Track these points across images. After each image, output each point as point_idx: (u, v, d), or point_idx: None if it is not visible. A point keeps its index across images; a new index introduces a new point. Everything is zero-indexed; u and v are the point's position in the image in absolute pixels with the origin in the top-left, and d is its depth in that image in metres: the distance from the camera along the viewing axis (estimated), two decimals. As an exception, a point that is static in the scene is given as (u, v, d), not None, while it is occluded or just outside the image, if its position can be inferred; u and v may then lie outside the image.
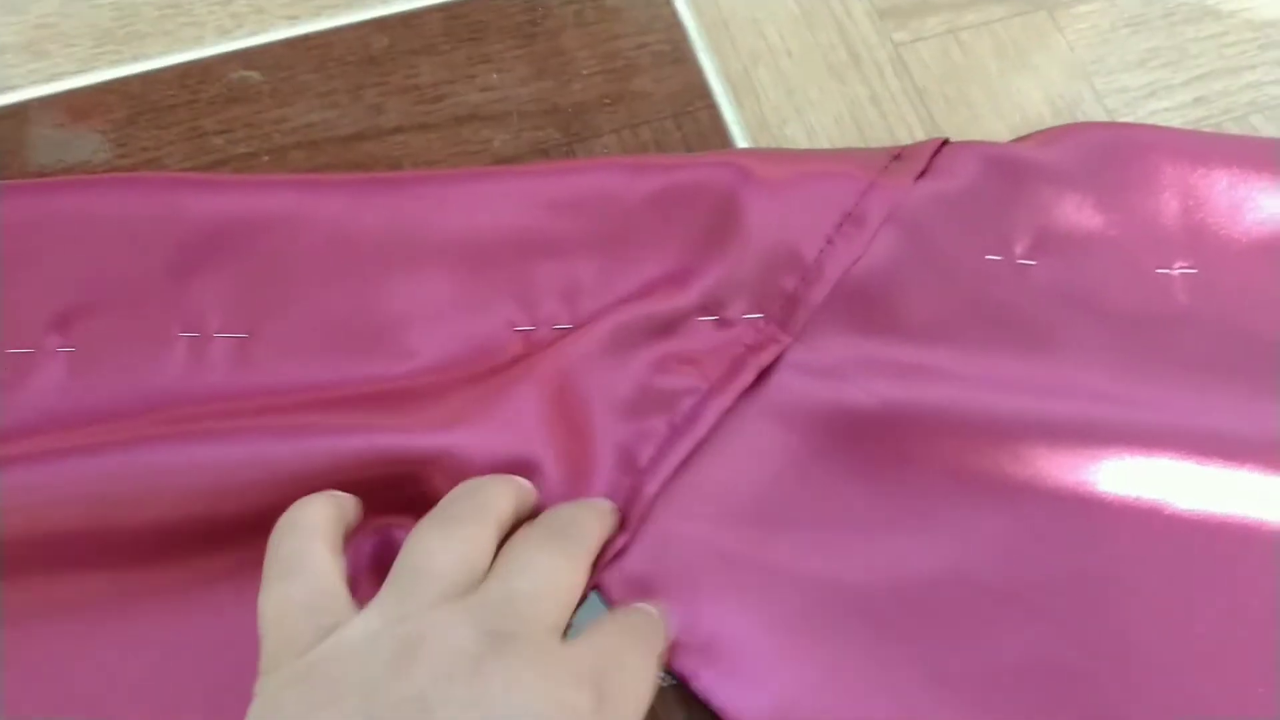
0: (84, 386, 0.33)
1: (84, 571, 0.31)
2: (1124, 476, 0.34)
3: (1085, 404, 0.35)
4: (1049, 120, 0.43)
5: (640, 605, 0.30)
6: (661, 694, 0.32)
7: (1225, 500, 0.35)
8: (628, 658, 0.27)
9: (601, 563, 0.31)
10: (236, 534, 0.30)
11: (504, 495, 0.29)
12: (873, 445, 0.34)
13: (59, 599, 0.31)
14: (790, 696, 0.31)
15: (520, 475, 0.31)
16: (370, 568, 0.31)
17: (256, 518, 0.29)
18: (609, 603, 0.32)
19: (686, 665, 0.31)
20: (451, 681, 0.23)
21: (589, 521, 0.30)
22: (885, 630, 0.32)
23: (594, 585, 0.31)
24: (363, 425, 0.31)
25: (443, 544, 0.26)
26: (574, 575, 0.28)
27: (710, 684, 0.31)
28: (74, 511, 0.30)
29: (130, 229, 0.35)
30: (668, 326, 0.35)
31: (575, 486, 0.32)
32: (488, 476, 0.30)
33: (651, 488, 0.33)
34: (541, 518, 0.30)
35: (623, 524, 0.32)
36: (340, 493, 0.29)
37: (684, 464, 0.33)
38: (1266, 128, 0.44)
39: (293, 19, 0.42)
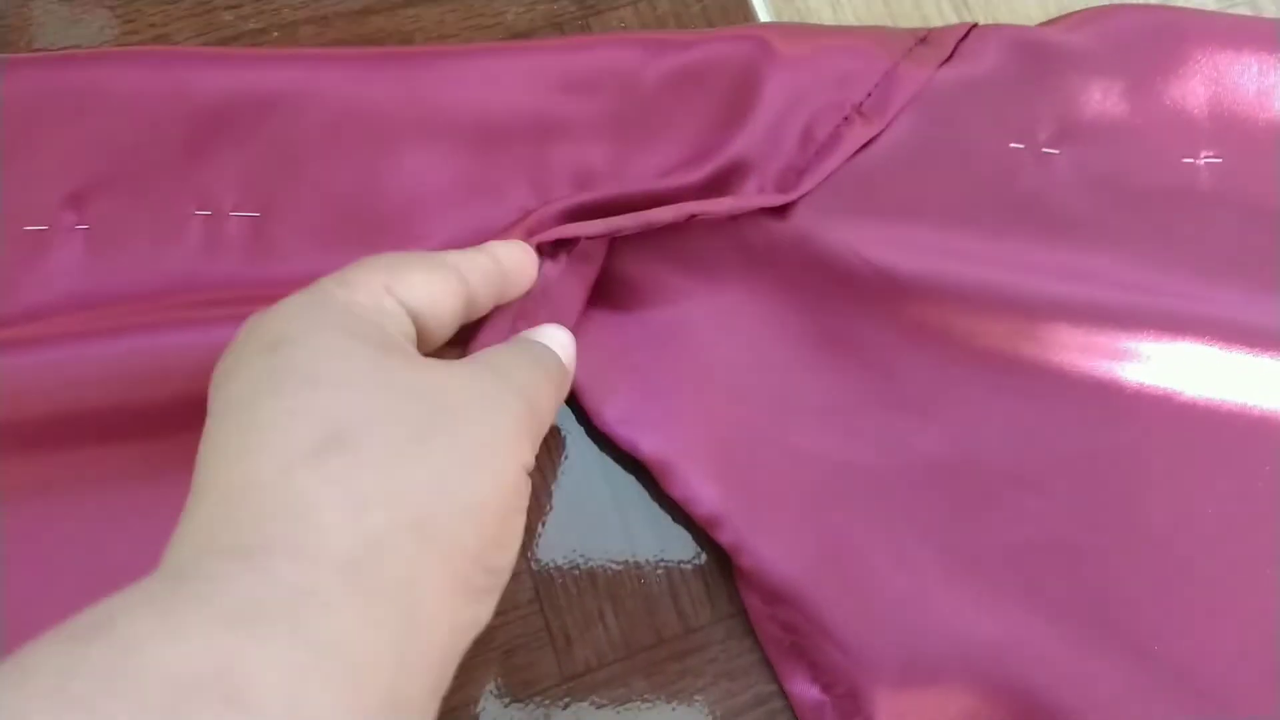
0: (103, 265, 0.34)
1: (112, 445, 0.32)
2: (1140, 361, 0.35)
3: (1104, 289, 0.35)
4: (1085, 3, 0.42)
5: (544, 339, 0.31)
6: (680, 571, 0.34)
7: (1240, 388, 0.35)
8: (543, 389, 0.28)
9: None
10: None
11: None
12: (885, 321, 0.35)
13: (88, 474, 0.32)
14: (812, 561, 0.32)
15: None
16: None
17: None
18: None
19: (714, 523, 0.33)
20: None
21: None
22: (898, 509, 0.33)
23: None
24: None
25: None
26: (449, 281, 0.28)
27: (739, 541, 0.32)
28: (97, 389, 0.31)
29: (141, 104, 0.35)
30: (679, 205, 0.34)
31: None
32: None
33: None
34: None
35: None
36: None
37: (700, 345, 0.34)
38: (1309, 11, 0.43)
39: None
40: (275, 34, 0.38)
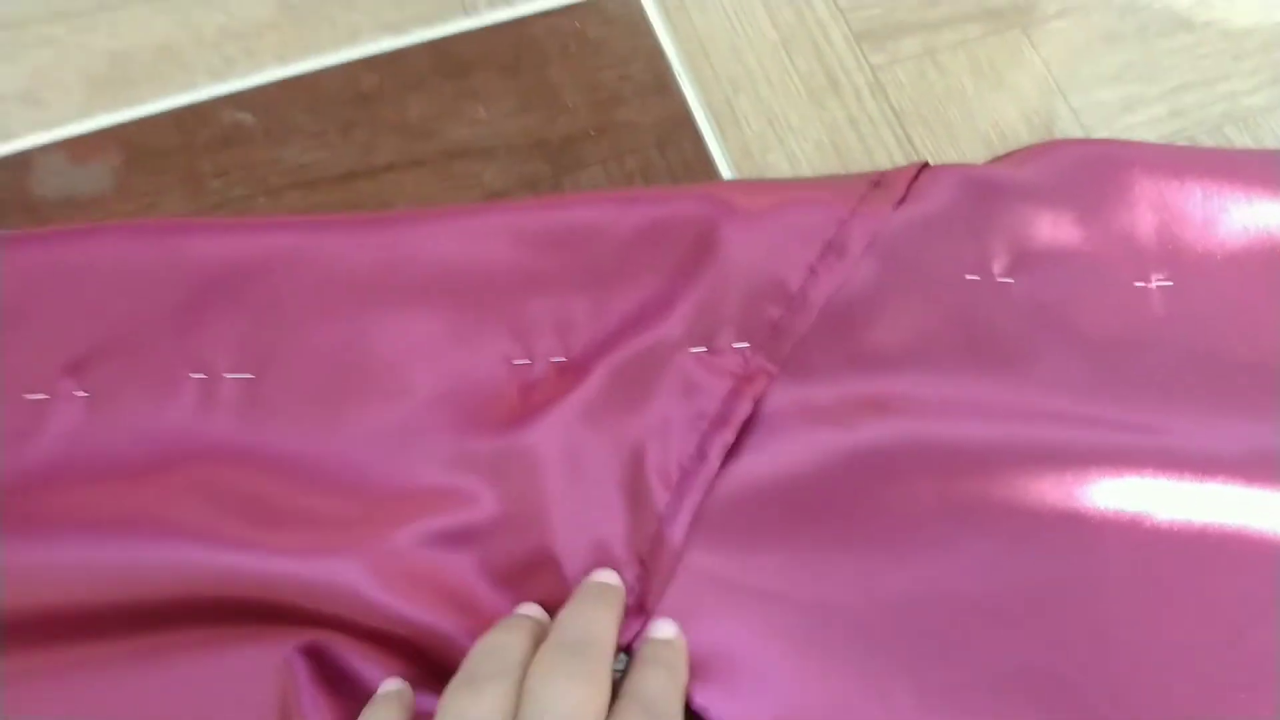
0: (102, 430, 0.36)
1: (102, 640, 0.34)
2: (1101, 493, 0.37)
3: (1060, 426, 0.38)
4: (1025, 138, 0.46)
5: (662, 636, 0.33)
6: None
7: (1199, 512, 0.37)
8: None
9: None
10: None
11: (521, 643, 0.31)
12: (861, 476, 0.37)
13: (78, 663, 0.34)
14: (786, 710, 0.34)
15: (540, 559, 0.35)
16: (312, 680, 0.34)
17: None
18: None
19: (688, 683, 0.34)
20: None
21: (600, 622, 0.32)
22: (873, 646, 0.35)
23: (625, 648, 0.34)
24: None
25: (473, 701, 0.28)
26: (597, 694, 0.29)
27: (708, 700, 0.34)
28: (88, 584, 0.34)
29: (136, 274, 0.38)
30: (659, 360, 0.38)
31: (600, 553, 0.35)
32: (502, 626, 0.32)
33: (676, 534, 0.35)
34: (555, 633, 0.31)
35: (645, 588, 0.35)
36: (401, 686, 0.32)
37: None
38: (1240, 138, 0.47)
39: (282, 59, 0.45)
40: (261, 199, 0.42)
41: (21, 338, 0.37)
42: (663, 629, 0.34)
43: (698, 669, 0.34)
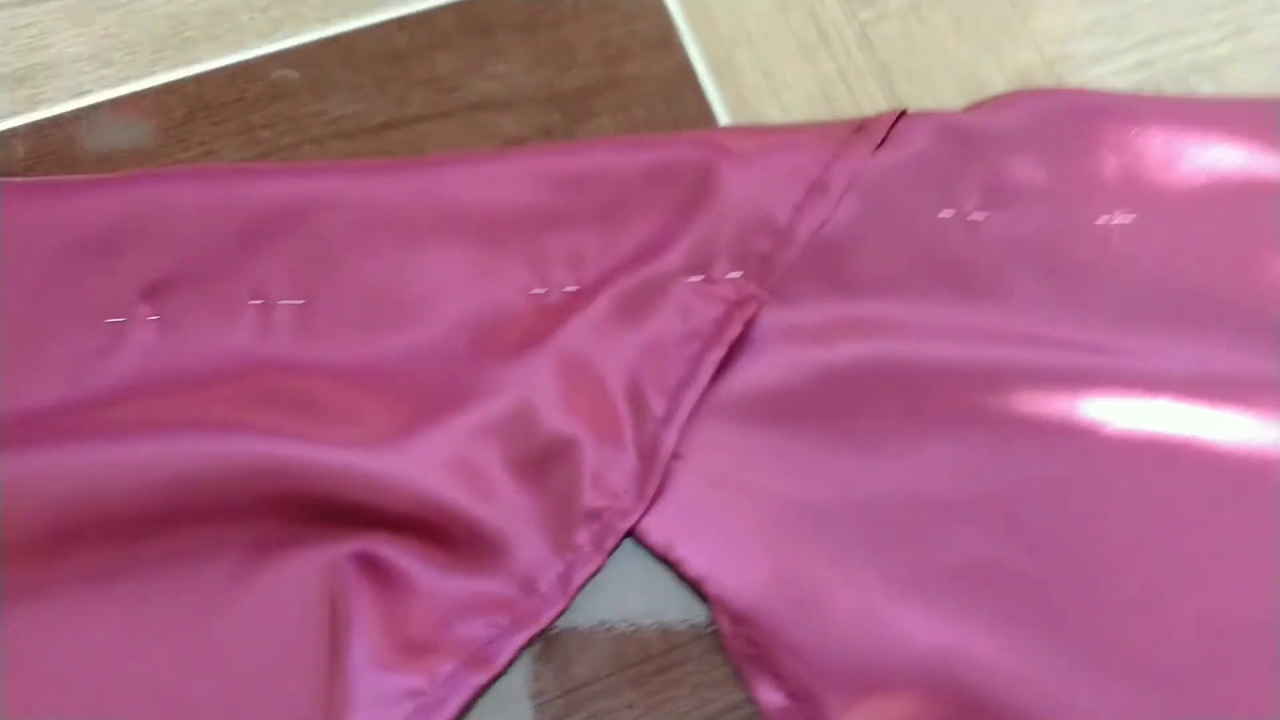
0: (172, 348, 0.42)
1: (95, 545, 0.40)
2: (1059, 406, 0.42)
3: (1023, 347, 0.43)
4: (1000, 88, 0.50)
5: None
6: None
7: (1150, 424, 0.42)
8: None
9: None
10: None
11: None
12: (840, 389, 0.42)
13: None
14: (768, 583, 0.40)
15: (555, 449, 0.40)
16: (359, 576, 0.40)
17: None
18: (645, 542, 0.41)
19: (686, 557, 0.40)
20: None
21: None
22: (846, 536, 0.41)
23: (630, 530, 0.40)
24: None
25: None
26: None
27: (701, 571, 0.40)
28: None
29: (200, 213, 0.43)
30: (661, 287, 0.43)
31: (606, 445, 0.41)
32: None
33: (670, 436, 0.41)
34: None
35: (645, 480, 0.41)
36: None
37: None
38: (1204, 86, 0.51)
39: (324, 20, 0.50)
40: (307, 147, 0.47)
41: (100, 269, 0.43)
42: None
43: (693, 545, 0.40)
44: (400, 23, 0.50)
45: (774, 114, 0.49)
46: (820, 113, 0.49)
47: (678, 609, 0.41)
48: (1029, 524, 0.42)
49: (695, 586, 0.40)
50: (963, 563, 0.41)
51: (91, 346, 0.42)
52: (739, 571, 0.40)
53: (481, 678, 0.38)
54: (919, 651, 0.39)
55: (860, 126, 0.46)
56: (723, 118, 0.49)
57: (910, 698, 0.39)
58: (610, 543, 0.40)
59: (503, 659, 0.38)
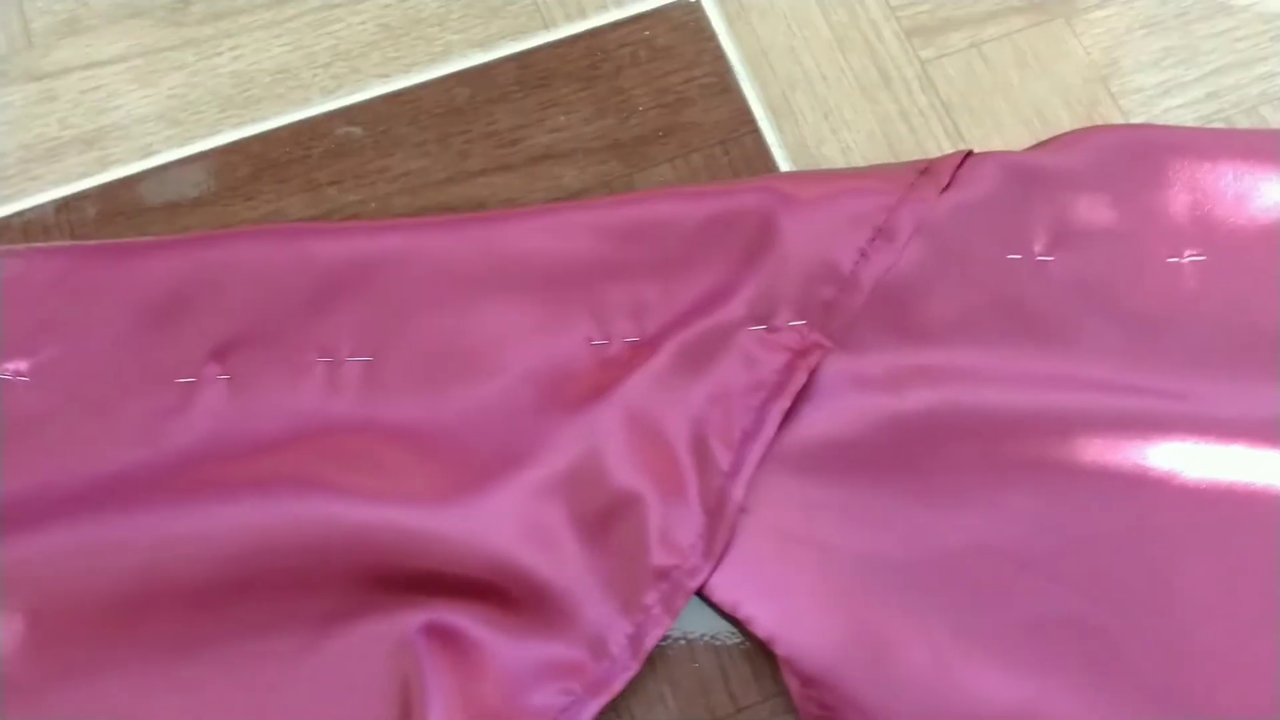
0: (241, 408, 0.43)
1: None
2: (1134, 454, 0.42)
3: (1095, 393, 0.42)
4: (1067, 124, 0.50)
5: None
6: (729, 653, 0.41)
7: (1226, 472, 0.42)
8: None
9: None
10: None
11: None
12: (910, 439, 0.42)
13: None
14: (839, 645, 0.40)
15: (621, 505, 0.40)
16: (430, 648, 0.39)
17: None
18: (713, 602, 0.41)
19: (755, 616, 0.40)
20: None
21: None
22: (919, 593, 0.40)
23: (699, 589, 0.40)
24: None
25: None
26: None
27: (771, 633, 0.40)
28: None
29: (268, 273, 0.44)
30: (723, 337, 0.43)
31: (672, 500, 0.41)
32: None
33: (737, 490, 0.41)
34: None
35: (712, 537, 0.41)
36: None
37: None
38: (1276, 118, 0.50)
39: (385, 76, 0.51)
40: (373, 204, 0.48)
41: (170, 329, 0.44)
42: None
43: (762, 604, 0.39)
44: (460, 76, 0.51)
45: (834, 156, 0.49)
46: (882, 154, 0.49)
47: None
48: (1105, 576, 0.41)
49: (765, 646, 0.40)
50: (1038, 617, 0.40)
51: (163, 407, 0.43)
52: (808, 632, 0.39)
53: None
54: (995, 710, 0.39)
55: (925, 169, 0.46)
56: (782, 162, 0.49)
57: None
58: (680, 603, 0.39)
59: None
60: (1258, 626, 0.40)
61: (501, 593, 0.39)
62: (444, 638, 0.39)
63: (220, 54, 0.52)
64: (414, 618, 0.39)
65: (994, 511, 0.42)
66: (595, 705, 0.38)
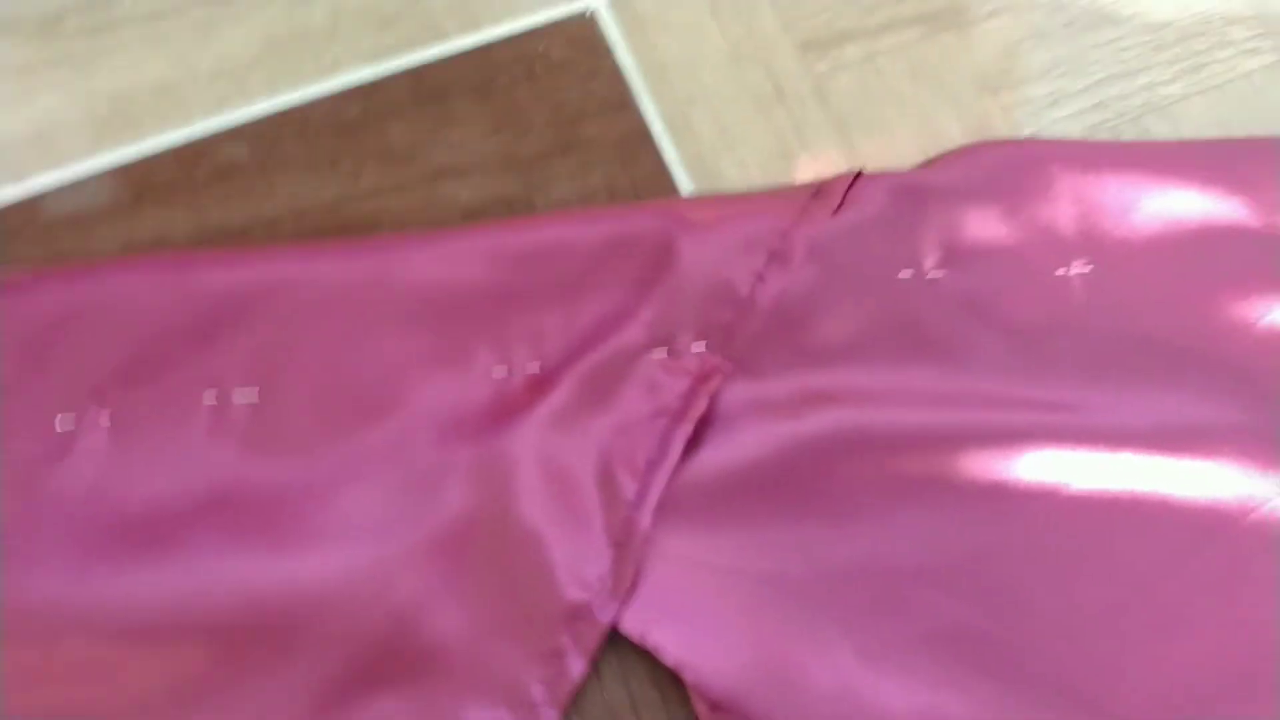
0: (124, 455, 0.42)
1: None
2: (1023, 467, 0.43)
3: (986, 409, 0.44)
4: (959, 138, 0.51)
5: None
6: (638, 681, 0.42)
7: (1112, 480, 0.43)
8: None
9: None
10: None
11: None
12: (809, 460, 0.43)
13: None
14: (744, 664, 0.40)
15: (527, 545, 0.40)
16: None
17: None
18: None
19: (661, 644, 0.40)
20: None
21: None
22: (818, 609, 0.41)
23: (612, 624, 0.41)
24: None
25: None
26: None
27: (680, 659, 0.40)
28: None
29: (150, 306, 0.43)
30: (625, 363, 0.43)
31: (577, 537, 0.41)
32: None
33: (644, 519, 0.42)
34: None
35: (620, 569, 0.41)
36: None
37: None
38: (1159, 127, 0.52)
39: (272, 93, 0.50)
40: (259, 229, 0.47)
41: (52, 366, 0.43)
42: None
43: (669, 633, 0.40)
44: (351, 93, 0.50)
45: (731, 171, 0.50)
46: (777, 168, 0.50)
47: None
48: (997, 586, 0.42)
49: (673, 673, 0.41)
50: (935, 629, 0.42)
51: (44, 452, 0.42)
52: (714, 656, 0.40)
53: None
54: (896, 715, 0.40)
55: (817, 191, 0.47)
56: (681, 178, 0.49)
57: None
58: (592, 641, 0.40)
59: None
60: (1151, 629, 0.42)
61: (411, 658, 0.39)
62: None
63: (97, 73, 0.50)
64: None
65: (888, 527, 0.43)
66: None
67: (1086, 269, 0.47)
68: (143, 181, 0.48)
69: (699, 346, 0.44)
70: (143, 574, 0.39)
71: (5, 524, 0.40)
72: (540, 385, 0.43)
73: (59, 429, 0.42)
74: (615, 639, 0.41)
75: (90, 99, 0.50)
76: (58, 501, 0.41)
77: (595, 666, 0.41)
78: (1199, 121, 0.52)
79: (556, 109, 0.50)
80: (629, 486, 0.42)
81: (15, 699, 0.38)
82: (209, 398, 0.43)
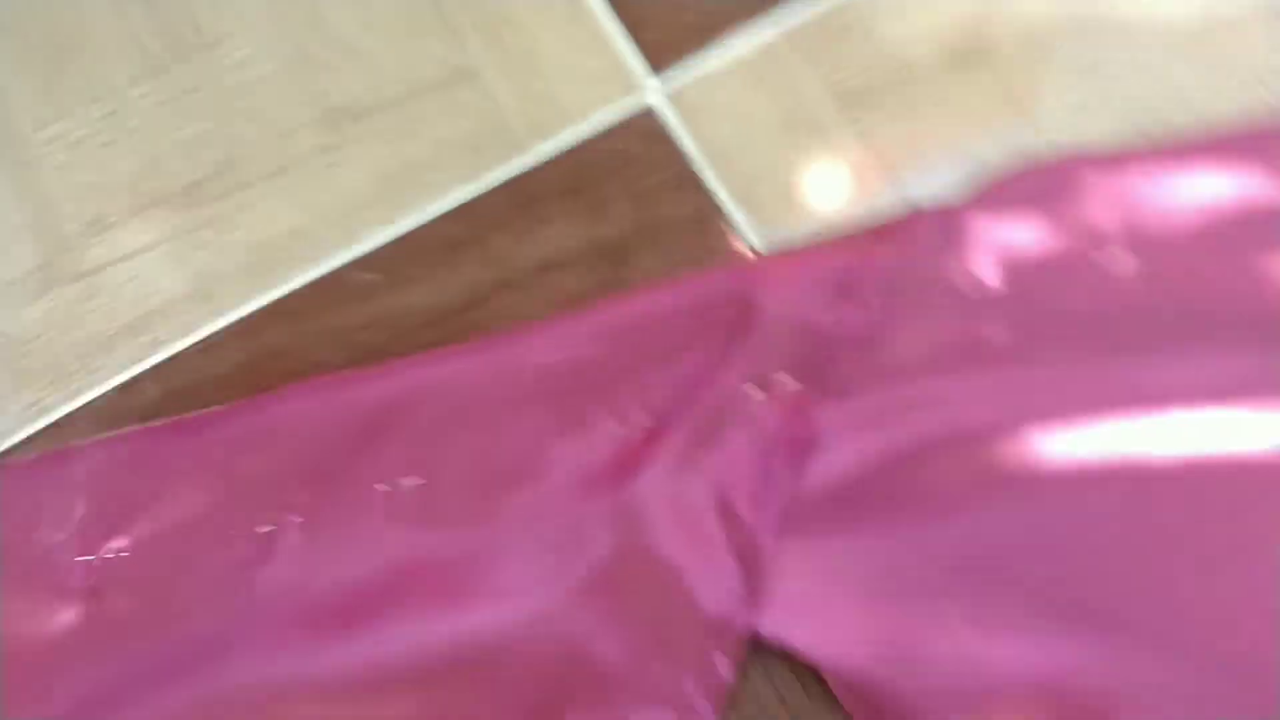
0: (315, 550, 0.49)
1: None
2: (1101, 443, 0.48)
3: (1056, 395, 0.49)
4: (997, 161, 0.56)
5: None
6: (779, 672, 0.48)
7: (1195, 444, 0.47)
8: None
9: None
10: None
11: None
12: (898, 465, 0.48)
13: None
14: (873, 653, 0.46)
15: (667, 576, 0.47)
16: None
17: None
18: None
19: (799, 646, 0.46)
20: None
21: None
22: (931, 596, 0.46)
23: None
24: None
25: None
26: None
27: (814, 654, 0.46)
28: None
29: (321, 423, 0.51)
30: (728, 408, 0.49)
31: (708, 562, 0.47)
32: None
33: (764, 540, 0.47)
34: None
35: (748, 587, 0.47)
36: None
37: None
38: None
39: (392, 222, 0.58)
40: (397, 344, 0.54)
41: (245, 487, 0.51)
42: None
43: (801, 632, 0.46)
44: (458, 211, 0.58)
45: (796, 225, 0.56)
46: (838, 219, 0.56)
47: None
48: (1099, 558, 0.47)
49: (813, 667, 0.46)
50: (1042, 598, 0.46)
51: (246, 557, 0.49)
52: (843, 646, 0.46)
53: None
54: (1013, 682, 0.45)
55: (878, 232, 0.53)
56: (753, 239, 0.56)
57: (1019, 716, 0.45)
58: (735, 647, 0.46)
59: None
60: (1256, 584, 0.46)
61: (584, 682, 0.46)
62: None
63: (237, 228, 0.59)
64: None
65: (986, 514, 0.48)
66: None
67: (1132, 260, 0.52)
68: (292, 315, 0.56)
69: (789, 381, 0.50)
70: (351, 646, 0.46)
71: (232, 621, 0.48)
72: (654, 436, 0.50)
73: (261, 532, 0.49)
74: (757, 645, 0.47)
75: (236, 251, 0.58)
76: (267, 597, 0.48)
77: (742, 669, 0.47)
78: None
79: (637, 197, 0.57)
80: (747, 514, 0.48)
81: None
82: (381, 488, 0.50)
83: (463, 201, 0.58)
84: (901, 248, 0.52)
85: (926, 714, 0.44)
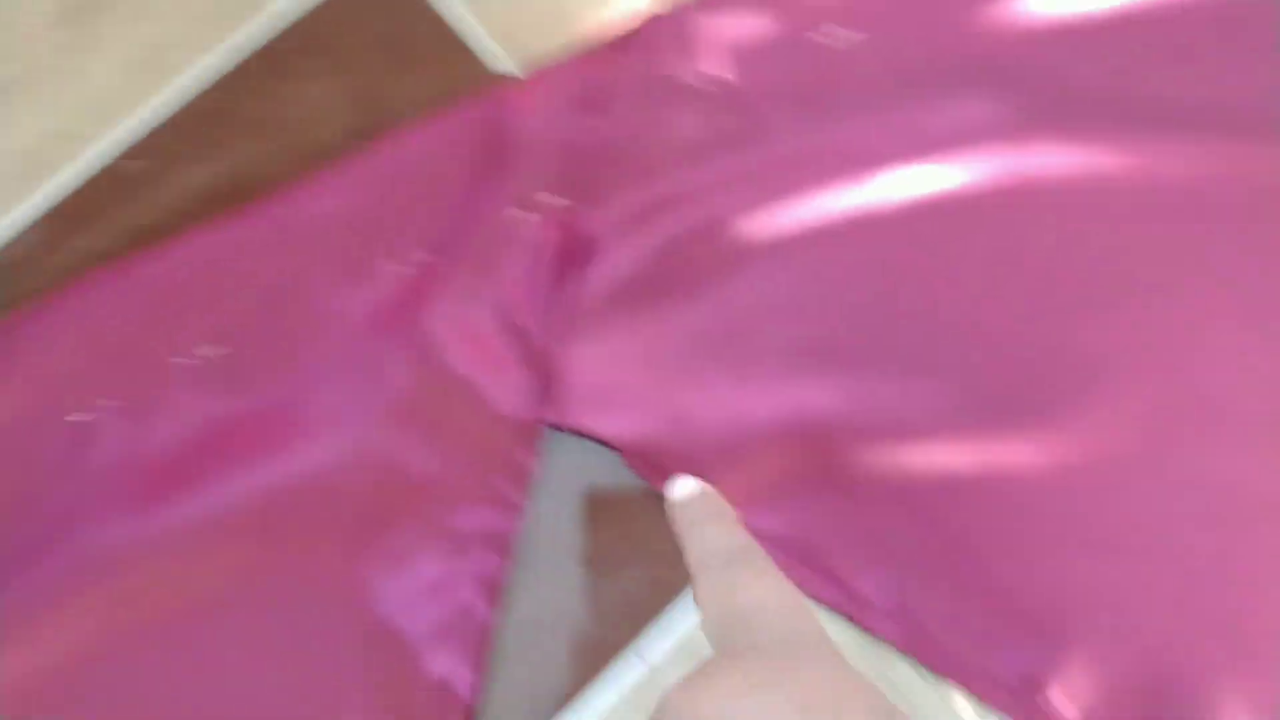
0: (136, 427, 0.52)
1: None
2: (852, 200, 0.54)
3: (794, 168, 0.54)
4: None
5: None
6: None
7: (936, 185, 0.54)
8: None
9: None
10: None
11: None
12: (670, 255, 0.54)
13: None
14: (652, 421, 0.52)
15: (465, 391, 0.52)
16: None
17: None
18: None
19: (594, 427, 0.52)
20: None
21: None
22: (702, 365, 0.52)
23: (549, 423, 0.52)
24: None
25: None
26: None
27: (603, 430, 0.51)
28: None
29: (112, 308, 0.53)
30: (497, 230, 0.53)
31: (499, 375, 0.52)
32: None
33: (549, 344, 0.52)
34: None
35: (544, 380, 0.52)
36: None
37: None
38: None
39: (146, 107, 0.59)
40: (185, 225, 0.56)
41: (51, 382, 0.52)
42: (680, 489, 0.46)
43: (593, 416, 0.51)
44: (210, 90, 0.59)
45: (537, 45, 0.59)
46: (575, 31, 0.59)
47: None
48: (831, 306, 0.53)
49: (605, 443, 0.52)
50: (792, 345, 0.53)
51: (72, 439, 0.52)
52: (629, 420, 0.52)
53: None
54: (767, 422, 0.52)
55: (618, 43, 0.56)
56: (501, 64, 0.58)
57: (772, 452, 0.51)
58: (536, 438, 0.51)
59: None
60: (982, 305, 0.53)
61: (407, 496, 0.51)
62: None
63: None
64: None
65: (749, 284, 0.54)
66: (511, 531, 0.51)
67: (847, 34, 0.57)
68: (63, 215, 0.57)
69: (554, 199, 0.54)
70: (185, 505, 0.49)
71: (71, 504, 0.50)
72: (435, 271, 0.53)
73: (73, 421, 0.52)
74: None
75: (3, 160, 0.58)
76: (99, 472, 0.51)
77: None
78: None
79: (383, 41, 0.59)
80: (531, 325, 0.52)
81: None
82: (184, 360, 0.52)
83: (216, 76, 0.59)
84: (640, 55, 0.56)
85: (699, 464, 0.50)
